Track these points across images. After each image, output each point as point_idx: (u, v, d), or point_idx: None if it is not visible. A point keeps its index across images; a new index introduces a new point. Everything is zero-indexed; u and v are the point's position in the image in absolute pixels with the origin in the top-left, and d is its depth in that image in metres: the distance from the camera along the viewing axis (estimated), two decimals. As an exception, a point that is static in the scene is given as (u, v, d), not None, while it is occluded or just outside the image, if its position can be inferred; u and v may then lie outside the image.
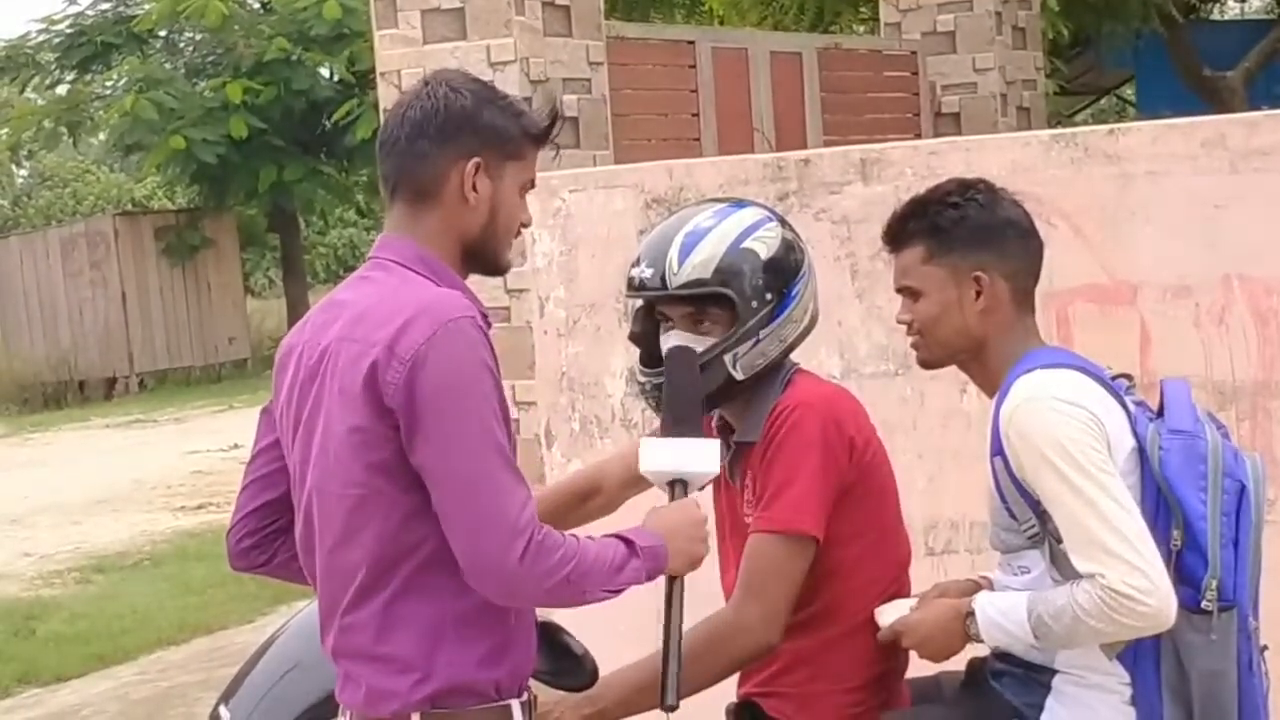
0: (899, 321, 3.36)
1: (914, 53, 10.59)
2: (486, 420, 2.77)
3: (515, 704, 2.90)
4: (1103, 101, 23.54)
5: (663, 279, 3.37)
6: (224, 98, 22.80)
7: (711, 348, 3.35)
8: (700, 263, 3.36)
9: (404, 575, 2.82)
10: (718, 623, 3.30)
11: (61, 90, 26.35)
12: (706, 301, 3.37)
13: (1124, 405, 3.14)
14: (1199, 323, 4.41)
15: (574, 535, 2.83)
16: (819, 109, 9.73)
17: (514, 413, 7.54)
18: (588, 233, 5.45)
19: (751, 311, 3.35)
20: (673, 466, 3.07)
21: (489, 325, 2.88)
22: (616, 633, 4.52)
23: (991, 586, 3.31)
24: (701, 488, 3.16)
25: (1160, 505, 3.06)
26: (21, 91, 26.56)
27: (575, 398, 5.50)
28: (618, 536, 2.90)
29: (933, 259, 3.25)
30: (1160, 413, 3.19)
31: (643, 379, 3.51)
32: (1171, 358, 4.41)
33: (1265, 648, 3.18)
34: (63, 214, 34.98)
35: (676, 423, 3.11)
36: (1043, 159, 4.63)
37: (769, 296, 3.37)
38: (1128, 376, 3.27)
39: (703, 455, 3.08)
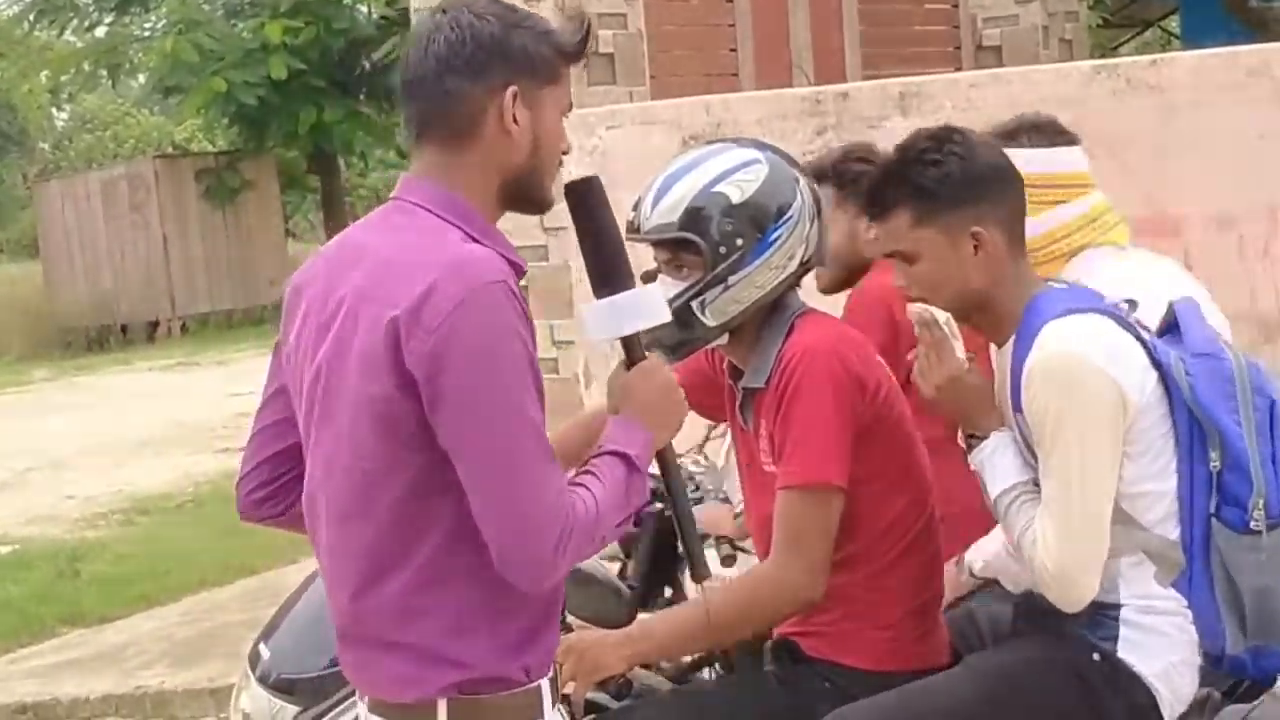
0: (895, 287, 3.26)
1: (954, -15, 10.49)
2: (520, 399, 2.54)
3: (544, 683, 2.69)
4: (1146, 34, 23.32)
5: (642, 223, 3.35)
6: (263, 38, 22.73)
7: (679, 295, 3.28)
8: (668, 207, 3.31)
9: (424, 556, 2.61)
10: (761, 578, 3.28)
11: (100, 33, 26.37)
12: (680, 246, 3.32)
13: (1138, 337, 3.10)
14: (1243, 254, 4.36)
15: (583, 487, 2.60)
16: (858, 42, 9.66)
17: (553, 352, 7.59)
18: (625, 170, 5.42)
19: (720, 257, 3.28)
20: (622, 327, 2.74)
21: (522, 274, 2.68)
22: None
23: None
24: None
25: (1194, 429, 3.05)
26: (60, 34, 26.59)
27: (613, 336, 5.47)
28: (611, 453, 2.66)
29: (922, 222, 3.13)
30: (1165, 332, 3.17)
31: None
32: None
33: None
34: (103, 157, 35.10)
35: (605, 278, 2.75)
36: (1084, 90, 4.58)
37: (739, 242, 3.28)
38: (1131, 302, 3.21)
39: (649, 305, 2.75)
